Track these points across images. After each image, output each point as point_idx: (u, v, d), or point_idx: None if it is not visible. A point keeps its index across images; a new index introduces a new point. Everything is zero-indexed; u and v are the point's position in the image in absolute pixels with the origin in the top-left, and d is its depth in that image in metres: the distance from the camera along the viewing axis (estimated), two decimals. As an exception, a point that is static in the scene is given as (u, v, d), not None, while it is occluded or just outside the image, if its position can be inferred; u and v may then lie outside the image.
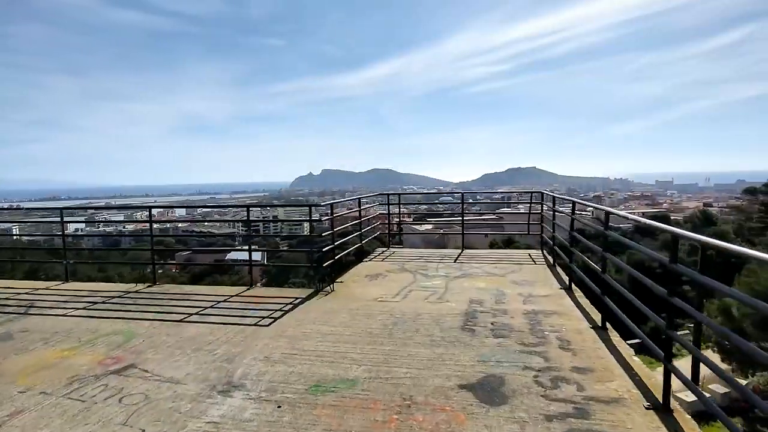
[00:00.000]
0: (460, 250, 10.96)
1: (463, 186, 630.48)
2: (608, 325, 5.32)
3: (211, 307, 6.67)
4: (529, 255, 10.15)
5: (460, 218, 11.43)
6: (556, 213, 8.98)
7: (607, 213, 5.45)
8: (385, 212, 12.15)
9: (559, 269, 8.40)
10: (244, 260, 75.28)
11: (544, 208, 10.71)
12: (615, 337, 5.08)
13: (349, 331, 5.48)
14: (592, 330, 5.30)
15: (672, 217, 59.24)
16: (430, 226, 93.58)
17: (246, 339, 5.33)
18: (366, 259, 10.25)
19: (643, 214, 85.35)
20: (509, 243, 57.20)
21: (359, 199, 10.65)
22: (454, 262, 9.55)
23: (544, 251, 10.15)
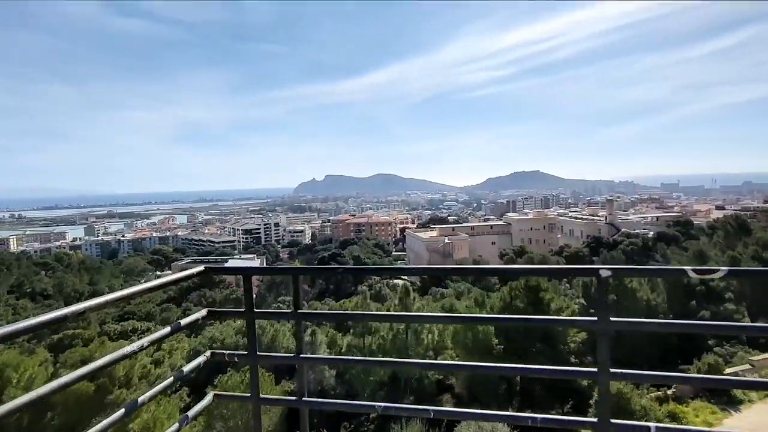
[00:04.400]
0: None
1: (467, 190, 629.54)
2: None
3: None
4: None
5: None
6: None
7: None
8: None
9: None
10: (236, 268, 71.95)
11: None
12: None
13: None
14: None
15: (695, 223, 55.96)
16: (434, 233, 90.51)
17: None
18: None
19: (658, 219, 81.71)
20: (521, 253, 54.16)
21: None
22: None
23: None
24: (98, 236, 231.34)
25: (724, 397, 16.06)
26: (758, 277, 28.05)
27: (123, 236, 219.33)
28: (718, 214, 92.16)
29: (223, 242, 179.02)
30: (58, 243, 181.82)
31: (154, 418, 11.94)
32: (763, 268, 3.51)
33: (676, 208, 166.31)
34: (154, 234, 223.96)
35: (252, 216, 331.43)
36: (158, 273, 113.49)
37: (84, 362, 11.12)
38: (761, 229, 35.98)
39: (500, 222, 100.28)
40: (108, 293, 2.35)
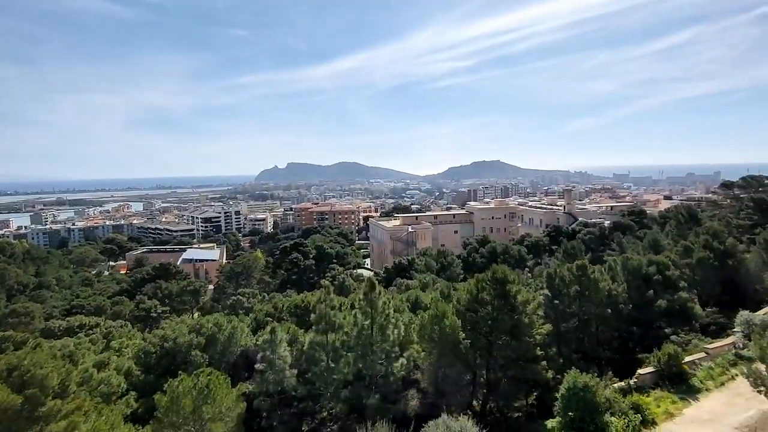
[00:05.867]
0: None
1: (429, 179, 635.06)
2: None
3: None
4: None
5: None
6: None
7: None
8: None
9: None
10: (199, 260, 68.41)
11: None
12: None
13: None
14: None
15: (648, 212, 57.97)
16: (398, 222, 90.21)
17: None
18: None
19: (612, 208, 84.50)
20: (484, 243, 54.59)
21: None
22: None
23: None
24: (46, 224, 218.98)
25: (683, 386, 16.44)
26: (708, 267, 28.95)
27: (73, 224, 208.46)
28: (666, 204, 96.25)
29: (181, 231, 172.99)
30: (0, 232, 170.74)
31: (95, 429, 10.88)
32: None
33: (627, 197, 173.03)
34: (108, 222, 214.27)
35: (212, 204, 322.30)
36: (111, 263, 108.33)
37: (10, 371, 9.92)
38: (709, 219, 37.54)
39: (462, 211, 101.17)
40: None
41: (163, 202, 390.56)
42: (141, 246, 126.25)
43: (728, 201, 51.19)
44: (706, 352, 18.84)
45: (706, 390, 16.14)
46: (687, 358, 18.07)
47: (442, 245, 66.32)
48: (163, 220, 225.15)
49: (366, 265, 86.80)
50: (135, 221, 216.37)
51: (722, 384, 16.47)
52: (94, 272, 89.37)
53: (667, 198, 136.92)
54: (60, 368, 11.06)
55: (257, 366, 15.40)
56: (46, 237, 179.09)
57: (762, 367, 13.23)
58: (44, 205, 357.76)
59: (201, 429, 11.57)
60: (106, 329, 29.83)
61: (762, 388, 12.33)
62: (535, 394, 18.77)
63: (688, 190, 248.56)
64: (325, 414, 17.47)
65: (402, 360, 16.01)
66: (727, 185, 49.48)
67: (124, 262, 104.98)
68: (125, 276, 77.34)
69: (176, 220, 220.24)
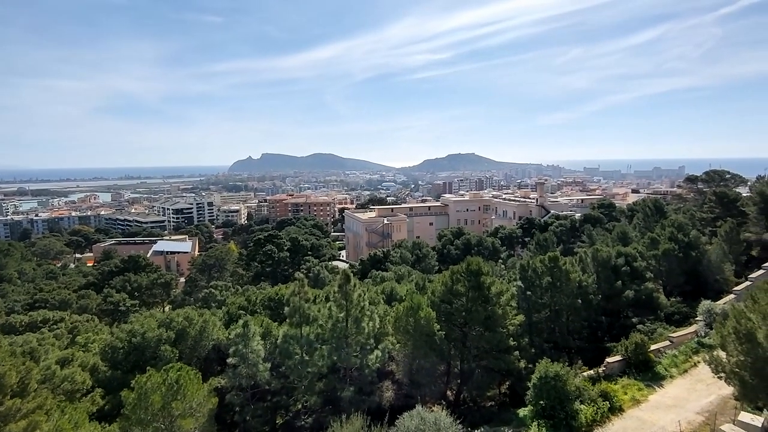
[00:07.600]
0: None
1: (405, 171, 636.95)
2: None
3: None
4: None
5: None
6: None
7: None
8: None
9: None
10: (170, 251, 66.57)
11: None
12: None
13: None
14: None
15: (617, 205, 59.52)
16: (374, 214, 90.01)
17: None
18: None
19: (582, 201, 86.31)
20: (459, 234, 55.06)
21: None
22: None
23: None
24: (7, 215, 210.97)
25: (649, 373, 17.00)
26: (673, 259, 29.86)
27: (37, 215, 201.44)
28: (633, 197, 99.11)
29: (151, 222, 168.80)
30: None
31: (57, 428, 10.49)
32: None
33: (597, 191, 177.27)
34: (74, 213, 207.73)
35: (183, 195, 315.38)
36: (77, 256, 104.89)
37: (-33, 370, 9.43)
38: (674, 212, 38.79)
39: (438, 203, 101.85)
40: None
41: (132, 193, 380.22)
42: (109, 238, 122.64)
43: (692, 195, 53.09)
44: (671, 341, 19.52)
45: (670, 377, 16.73)
46: (652, 347, 18.68)
47: (418, 237, 66.67)
48: (133, 211, 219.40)
49: (341, 257, 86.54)
50: (102, 212, 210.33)
51: (685, 371, 17.09)
52: (59, 265, 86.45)
53: (634, 191, 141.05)
54: (19, 366, 10.59)
55: (230, 360, 15.15)
56: (6, 228, 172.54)
57: (722, 354, 13.76)
58: (4, 195, 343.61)
59: (170, 425, 11.29)
60: (71, 324, 28.82)
61: (722, 375, 12.81)
62: (507, 383, 19.09)
63: (654, 183, 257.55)
64: (299, 407, 17.36)
65: (377, 352, 16.01)
66: (691, 179, 51.23)
67: (91, 254, 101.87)
68: (92, 269, 75.01)
69: (146, 211, 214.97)
